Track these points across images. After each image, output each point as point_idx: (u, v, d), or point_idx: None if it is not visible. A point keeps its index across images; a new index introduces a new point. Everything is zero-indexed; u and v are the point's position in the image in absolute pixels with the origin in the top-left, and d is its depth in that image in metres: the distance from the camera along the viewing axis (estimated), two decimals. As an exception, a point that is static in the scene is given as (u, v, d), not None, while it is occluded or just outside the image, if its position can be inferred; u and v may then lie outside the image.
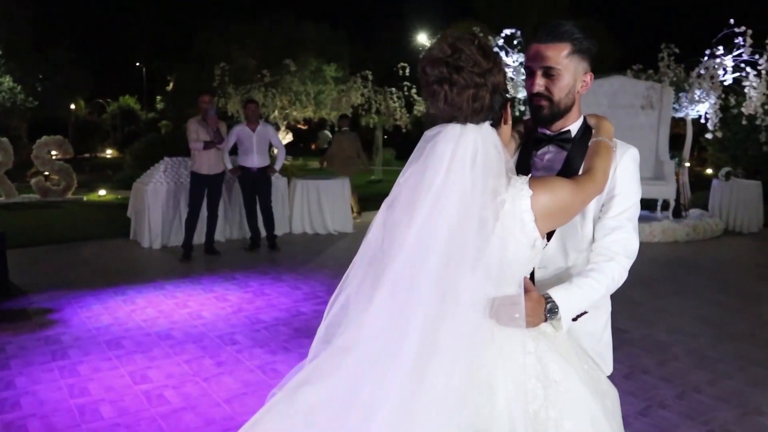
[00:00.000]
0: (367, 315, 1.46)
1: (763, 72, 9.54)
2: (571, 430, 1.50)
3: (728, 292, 6.52)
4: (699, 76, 9.74)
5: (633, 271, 1.88)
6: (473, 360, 1.41)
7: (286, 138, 18.31)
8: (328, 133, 23.26)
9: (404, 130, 20.50)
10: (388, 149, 23.49)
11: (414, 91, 18.88)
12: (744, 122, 9.98)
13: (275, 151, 9.00)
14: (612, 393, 1.69)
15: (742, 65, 9.73)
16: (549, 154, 1.89)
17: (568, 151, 1.85)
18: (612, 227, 1.80)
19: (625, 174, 1.83)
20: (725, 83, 9.79)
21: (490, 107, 1.52)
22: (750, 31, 9.36)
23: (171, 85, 27.80)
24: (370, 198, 13.95)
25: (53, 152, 13.48)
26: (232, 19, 23.12)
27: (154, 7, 29.42)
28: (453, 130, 1.49)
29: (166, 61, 27.48)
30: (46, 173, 13.57)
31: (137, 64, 35.55)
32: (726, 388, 4.15)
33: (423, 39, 31.32)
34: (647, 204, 9.86)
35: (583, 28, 1.81)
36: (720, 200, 10.31)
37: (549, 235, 1.78)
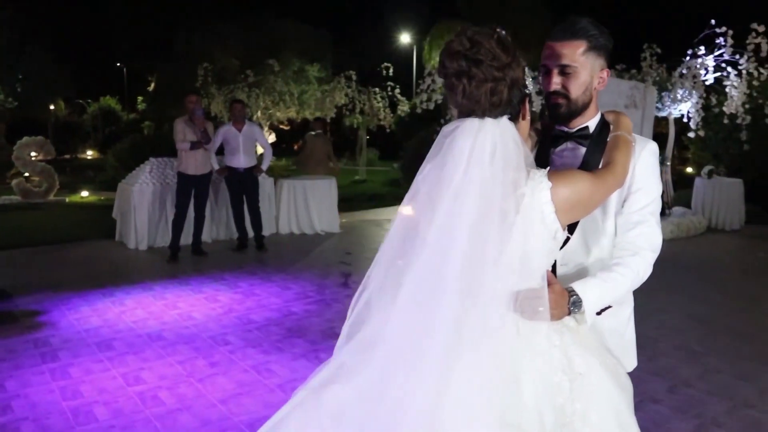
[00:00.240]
0: (393, 311, 1.46)
1: (744, 72, 9.69)
2: (596, 423, 1.51)
3: (714, 289, 6.62)
4: (681, 75, 9.87)
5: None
6: (500, 354, 1.41)
7: (269, 138, 18.24)
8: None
9: (388, 130, 20.51)
10: (371, 149, 23.47)
11: (398, 91, 18.94)
12: (725, 121, 10.13)
13: (260, 149, 8.98)
14: (630, 388, 1.71)
15: (723, 65, 9.88)
16: (567, 150, 1.89)
17: (587, 147, 1.85)
18: (635, 222, 1.81)
19: (645, 168, 1.83)
20: (707, 83, 9.93)
21: (508, 101, 1.52)
22: (731, 32, 9.50)
23: (152, 85, 27.57)
24: (354, 198, 13.99)
25: (33, 153, 13.31)
26: (214, 19, 22.98)
27: (134, 7, 29.12)
28: (471, 124, 1.50)
29: (147, 61, 27.25)
30: (27, 175, 13.40)
31: (118, 64, 35.22)
32: (715, 382, 4.22)
33: (406, 39, 31.42)
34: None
35: (599, 24, 1.80)
36: (703, 198, 10.45)
37: (571, 231, 1.78)
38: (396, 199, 13.23)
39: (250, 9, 23.87)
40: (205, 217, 8.19)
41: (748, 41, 9.38)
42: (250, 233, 8.49)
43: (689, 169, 15.21)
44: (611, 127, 1.85)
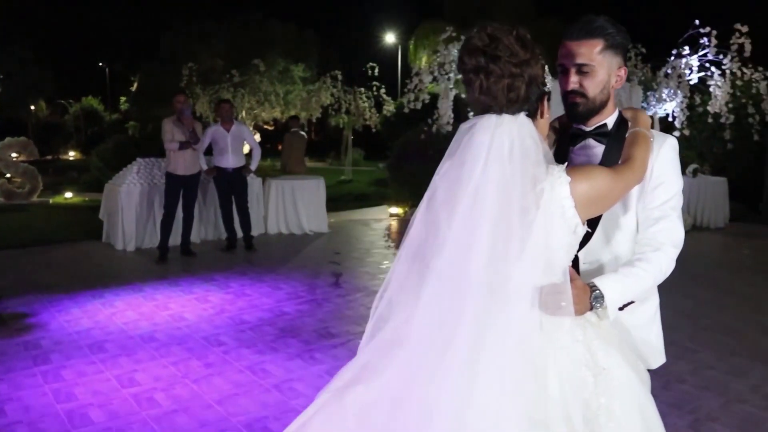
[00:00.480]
0: (415, 310, 1.45)
1: (728, 72, 9.82)
2: (621, 417, 1.51)
3: (702, 286, 6.69)
4: (666, 75, 9.98)
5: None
6: (525, 350, 1.41)
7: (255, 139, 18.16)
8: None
9: (374, 130, 20.52)
10: (356, 149, 23.44)
11: (383, 91, 18.95)
12: (710, 120, 10.26)
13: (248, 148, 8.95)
14: (649, 382, 1.72)
15: (707, 65, 10.00)
16: (586, 149, 1.89)
17: (606, 145, 1.85)
18: (657, 217, 1.80)
19: (666, 163, 1.83)
20: (691, 83, 10.04)
21: (525, 98, 1.52)
22: (714, 32, 9.62)
23: (135, 85, 27.33)
24: (341, 198, 13.97)
25: (14, 154, 13.14)
26: (198, 19, 22.83)
27: (117, 7, 28.91)
28: (488, 120, 1.50)
29: (130, 61, 27.02)
30: (9, 176, 13.22)
31: (100, 64, 34.87)
32: (708, 377, 4.27)
33: (391, 39, 31.44)
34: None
35: (616, 22, 1.81)
36: (688, 196, 10.54)
37: (593, 228, 1.78)
38: (382, 199, 13.26)
39: (235, 9, 23.76)
40: (194, 218, 8.14)
41: (731, 41, 9.51)
42: (239, 233, 8.46)
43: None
44: (629, 123, 1.86)
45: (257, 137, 19.91)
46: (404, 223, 10.99)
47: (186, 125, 7.56)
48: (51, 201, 13.28)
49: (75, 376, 4.24)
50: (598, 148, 1.88)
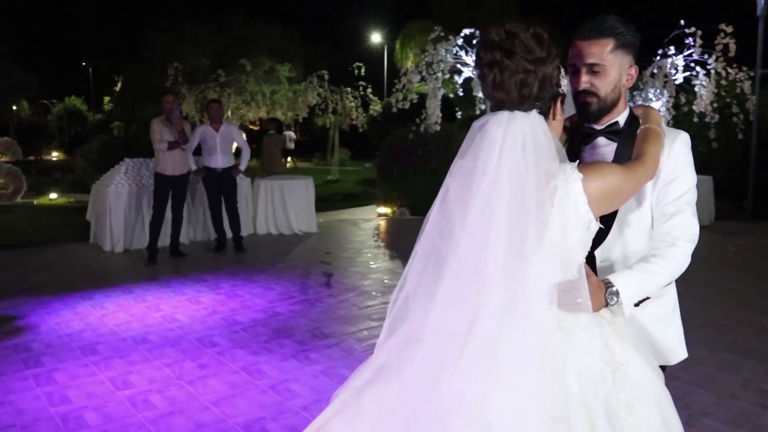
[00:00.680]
0: (432, 307, 1.45)
1: (713, 71, 9.93)
2: (640, 412, 1.52)
3: (690, 283, 6.69)
4: (652, 75, 10.07)
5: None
6: (543, 346, 1.41)
7: (241, 138, 18.07)
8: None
9: (360, 130, 20.50)
10: (342, 149, 23.44)
11: (370, 90, 18.95)
12: (695, 120, 10.36)
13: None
14: (663, 377, 1.74)
15: (692, 65, 10.11)
16: (598, 147, 1.90)
17: (618, 142, 1.86)
18: (672, 212, 1.81)
19: (679, 158, 1.84)
20: (676, 82, 10.15)
21: (538, 96, 1.52)
22: (699, 32, 9.73)
23: (119, 85, 27.10)
24: (328, 198, 13.96)
25: (-4, 155, 13.03)
26: (183, 18, 22.68)
27: (100, 5, 28.63)
28: (501, 116, 1.50)
29: (113, 60, 26.79)
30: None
31: (83, 63, 34.51)
32: (700, 373, 4.31)
33: (377, 39, 31.44)
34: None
35: (626, 21, 1.82)
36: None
37: (609, 224, 1.79)
38: (370, 199, 13.27)
39: (220, 8, 23.62)
40: (183, 218, 8.09)
41: (716, 41, 9.62)
42: (228, 234, 8.42)
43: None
44: (640, 120, 1.87)
45: (243, 137, 19.85)
46: (393, 222, 11.01)
47: (175, 125, 7.51)
48: (35, 202, 13.15)
49: (68, 379, 4.19)
50: (610, 147, 1.89)
